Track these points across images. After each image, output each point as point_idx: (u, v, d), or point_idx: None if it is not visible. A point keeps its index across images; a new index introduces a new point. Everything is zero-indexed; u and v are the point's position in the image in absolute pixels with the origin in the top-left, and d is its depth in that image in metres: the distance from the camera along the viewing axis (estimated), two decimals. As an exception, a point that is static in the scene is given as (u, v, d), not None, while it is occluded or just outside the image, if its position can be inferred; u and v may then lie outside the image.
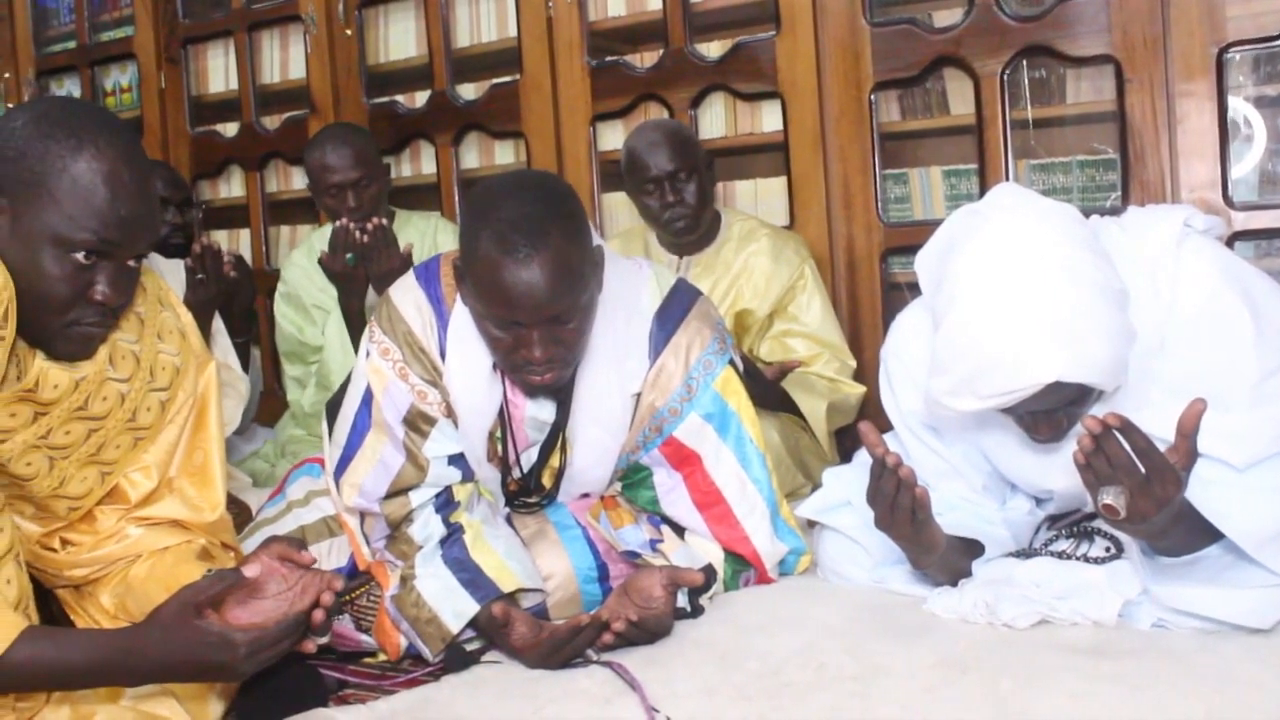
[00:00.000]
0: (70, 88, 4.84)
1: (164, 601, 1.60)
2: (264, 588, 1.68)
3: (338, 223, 3.20)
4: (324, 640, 1.72)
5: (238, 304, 3.33)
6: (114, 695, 1.71)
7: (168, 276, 3.07)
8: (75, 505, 1.83)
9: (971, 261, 1.88)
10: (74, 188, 1.59)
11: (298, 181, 4.26)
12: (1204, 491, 1.78)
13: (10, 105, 4.89)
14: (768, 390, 2.90)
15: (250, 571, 1.67)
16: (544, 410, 2.19)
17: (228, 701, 1.83)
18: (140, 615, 1.72)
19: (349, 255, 3.15)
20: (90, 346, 1.73)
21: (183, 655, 1.56)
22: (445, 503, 2.16)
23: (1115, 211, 2.24)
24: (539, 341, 1.95)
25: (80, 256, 1.61)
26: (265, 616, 1.63)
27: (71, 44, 4.83)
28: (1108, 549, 2.03)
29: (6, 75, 4.91)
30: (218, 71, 4.51)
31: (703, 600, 2.12)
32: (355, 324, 3.28)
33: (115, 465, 1.85)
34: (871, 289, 3.33)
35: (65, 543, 1.87)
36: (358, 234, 3.09)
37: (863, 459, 2.17)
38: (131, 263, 1.70)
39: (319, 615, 1.63)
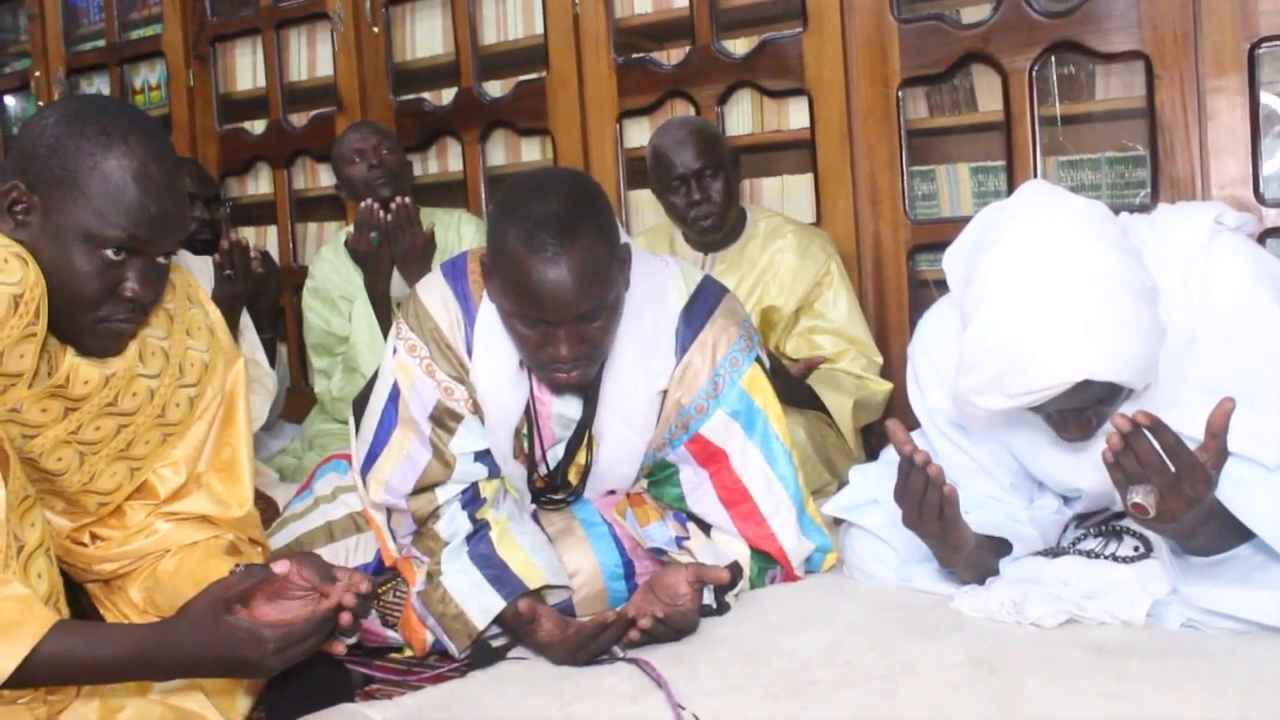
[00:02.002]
0: (100, 86, 4.87)
1: (194, 597, 1.61)
2: (292, 585, 1.69)
3: (363, 204, 3.24)
4: (352, 640, 1.72)
5: (265, 300, 3.35)
6: (143, 689, 1.72)
7: (196, 273, 3.11)
8: (105, 500, 1.85)
9: (1000, 259, 1.87)
10: (105, 185, 1.61)
11: (325, 178, 4.28)
12: (1234, 491, 1.77)
13: (41, 103, 4.92)
14: (794, 387, 2.89)
15: (279, 568, 1.68)
16: (570, 407, 2.19)
17: (255, 697, 1.84)
18: (169, 609, 1.73)
19: (373, 234, 3.18)
20: (120, 342, 1.75)
21: (212, 650, 1.57)
22: (471, 499, 2.16)
23: (1145, 209, 2.23)
24: (566, 339, 1.95)
25: (110, 253, 1.63)
26: (294, 614, 1.64)
27: (101, 42, 4.86)
28: (1136, 548, 2.02)
29: (37, 74, 4.94)
30: (245, 69, 4.53)
31: (729, 598, 2.12)
32: (381, 306, 3.32)
33: (144, 461, 1.86)
34: (898, 286, 3.32)
35: (95, 537, 1.89)
36: (381, 213, 3.13)
37: (890, 457, 2.17)
38: (161, 259, 1.71)
39: (345, 618, 1.64)
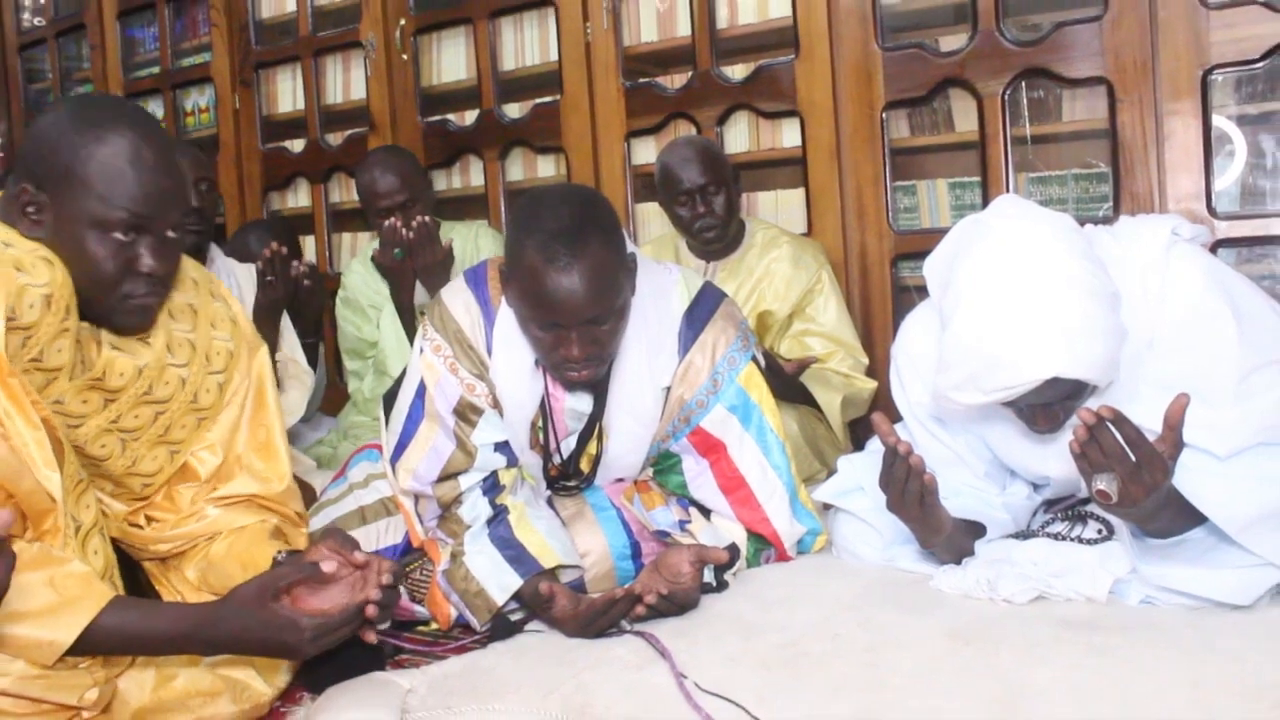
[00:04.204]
0: (154, 108, 4.87)
1: (243, 584, 1.62)
2: (335, 575, 1.69)
3: (387, 222, 3.24)
4: (383, 627, 1.72)
5: (310, 309, 3.34)
6: (194, 660, 1.73)
7: (240, 279, 3.11)
8: (148, 482, 1.86)
9: (976, 267, 1.87)
10: (103, 172, 1.61)
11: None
12: (1190, 479, 1.76)
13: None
14: (787, 384, 2.89)
15: (327, 567, 1.68)
16: (582, 402, 2.19)
17: (295, 668, 1.85)
18: (220, 589, 1.74)
19: (396, 250, 3.18)
20: (148, 316, 1.74)
21: (256, 633, 1.58)
22: (492, 486, 2.16)
23: (1107, 221, 2.22)
24: (578, 341, 1.95)
25: (120, 234, 1.63)
26: (332, 603, 1.65)
27: (155, 69, 4.86)
28: (1100, 531, 2.02)
29: (97, 97, 4.95)
30: (286, 93, 4.53)
31: (727, 576, 2.12)
32: (406, 314, 3.31)
33: (182, 444, 1.87)
34: (883, 291, 3.31)
35: (150, 520, 1.89)
36: (404, 231, 3.13)
37: (875, 447, 2.17)
38: (171, 234, 1.70)
39: (372, 611, 1.64)
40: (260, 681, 1.77)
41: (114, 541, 1.81)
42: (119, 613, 1.52)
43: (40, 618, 1.48)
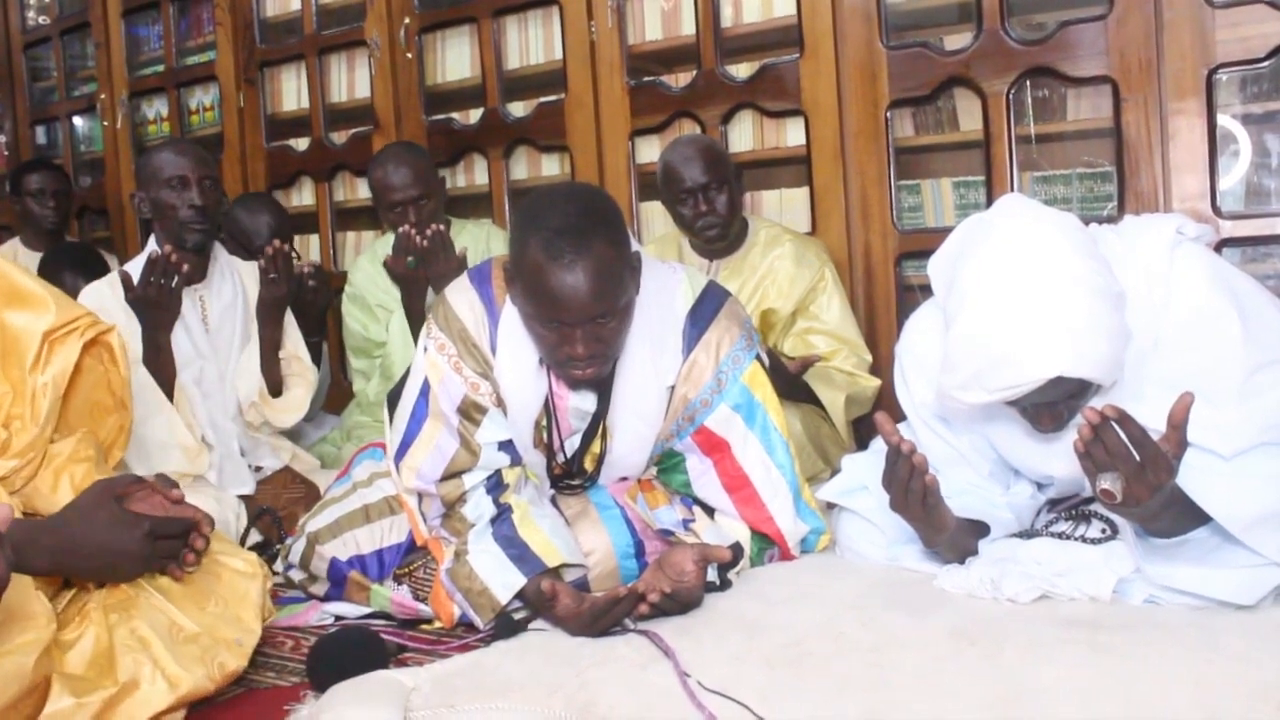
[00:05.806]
0: (159, 107, 4.88)
1: (83, 491, 1.73)
2: (154, 494, 1.82)
3: (401, 229, 3.22)
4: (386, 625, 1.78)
5: (315, 309, 3.34)
6: (145, 604, 1.77)
7: (244, 276, 3.11)
8: None
9: (981, 266, 1.87)
10: None
11: (363, 191, 4.27)
12: (1194, 478, 1.76)
13: (105, 123, 4.93)
14: (791, 383, 2.89)
15: (149, 477, 1.82)
16: (586, 401, 2.19)
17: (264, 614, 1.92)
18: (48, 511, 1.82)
19: (410, 259, 3.17)
20: None
21: (99, 533, 1.68)
22: (495, 485, 2.16)
23: (1112, 220, 2.22)
24: (582, 339, 1.95)
25: None
26: (161, 513, 1.78)
27: (160, 68, 4.86)
28: (1104, 530, 2.02)
29: (103, 96, 4.95)
30: (291, 92, 4.53)
31: (731, 575, 2.12)
32: (416, 321, 3.29)
33: None
34: (887, 290, 3.31)
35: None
36: (418, 240, 3.11)
37: (878, 446, 2.17)
38: None
39: (190, 557, 1.78)
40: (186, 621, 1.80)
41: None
42: None
43: None
